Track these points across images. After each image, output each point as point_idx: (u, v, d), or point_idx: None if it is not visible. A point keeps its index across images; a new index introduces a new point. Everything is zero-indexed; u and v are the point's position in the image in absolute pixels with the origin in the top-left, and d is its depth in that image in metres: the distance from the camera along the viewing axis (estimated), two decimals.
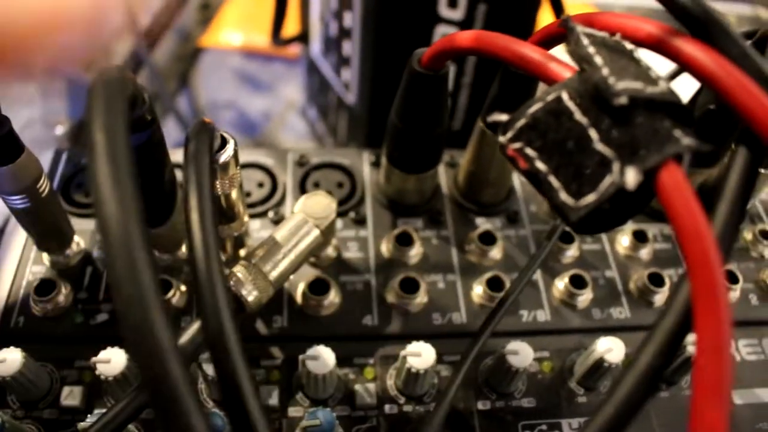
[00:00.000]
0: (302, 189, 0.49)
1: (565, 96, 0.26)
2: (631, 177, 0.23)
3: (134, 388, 0.32)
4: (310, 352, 0.37)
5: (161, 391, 0.18)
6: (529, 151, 0.27)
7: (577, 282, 0.44)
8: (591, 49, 0.26)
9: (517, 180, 0.51)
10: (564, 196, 0.26)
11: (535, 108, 0.27)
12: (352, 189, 0.49)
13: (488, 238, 0.46)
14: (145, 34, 0.88)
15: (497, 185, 0.48)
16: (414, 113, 0.41)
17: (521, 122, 0.28)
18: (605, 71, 0.25)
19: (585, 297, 0.44)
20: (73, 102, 0.90)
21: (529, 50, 0.30)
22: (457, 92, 0.63)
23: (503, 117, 0.28)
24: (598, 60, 0.26)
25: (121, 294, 0.18)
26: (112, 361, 0.36)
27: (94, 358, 0.36)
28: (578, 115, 0.26)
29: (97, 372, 0.36)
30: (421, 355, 0.37)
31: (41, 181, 0.39)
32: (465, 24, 0.58)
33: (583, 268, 0.45)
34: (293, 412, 0.39)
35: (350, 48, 0.63)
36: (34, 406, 0.38)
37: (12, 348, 0.37)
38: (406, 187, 0.46)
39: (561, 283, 0.44)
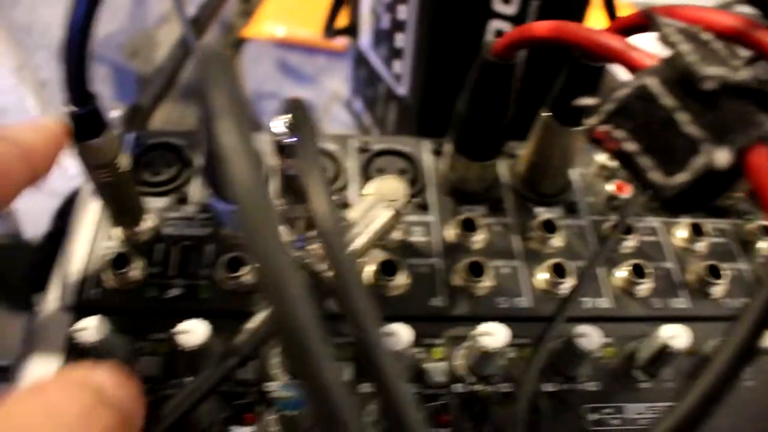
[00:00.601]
0: (365, 174, 0.50)
1: (652, 81, 0.27)
2: (722, 157, 0.24)
3: (214, 360, 0.33)
4: (386, 328, 0.38)
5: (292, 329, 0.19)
6: (618, 134, 0.28)
7: (638, 271, 0.45)
8: (677, 37, 0.27)
9: (575, 172, 0.52)
10: (655, 175, 0.26)
11: (622, 93, 0.28)
12: (414, 176, 0.50)
13: (550, 226, 0.47)
14: (191, 23, 0.89)
15: (557, 175, 0.49)
16: (482, 103, 0.42)
17: (609, 106, 0.28)
18: (693, 57, 0.26)
19: (645, 286, 0.45)
20: (119, 86, 0.92)
21: (610, 39, 0.31)
22: None
23: (590, 101, 0.29)
24: (685, 47, 0.26)
25: (255, 245, 0.19)
26: (192, 332, 0.37)
27: (174, 329, 0.38)
28: (666, 99, 0.27)
29: (176, 342, 0.37)
30: (493, 334, 0.38)
31: (120, 157, 0.40)
32: (518, 19, 0.59)
33: (642, 259, 0.46)
34: (365, 388, 0.40)
35: (403, 40, 0.64)
36: None
37: (95, 316, 0.38)
38: (469, 175, 0.47)
39: (621, 272, 0.45)
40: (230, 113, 0.22)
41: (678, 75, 0.26)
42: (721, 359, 0.23)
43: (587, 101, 0.30)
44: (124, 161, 0.41)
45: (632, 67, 0.30)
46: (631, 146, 0.27)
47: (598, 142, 0.29)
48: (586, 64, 0.40)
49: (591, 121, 0.29)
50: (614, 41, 0.31)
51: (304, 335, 0.19)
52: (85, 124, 0.37)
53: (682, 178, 0.25)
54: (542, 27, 0.35)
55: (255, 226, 0.20)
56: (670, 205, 0.26)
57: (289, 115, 0.31)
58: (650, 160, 0.26)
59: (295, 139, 0.36)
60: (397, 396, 0.20)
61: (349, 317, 0.22)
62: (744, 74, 0.25)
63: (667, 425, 0.24)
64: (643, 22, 0.34)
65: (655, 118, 0.26)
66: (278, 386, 0.38)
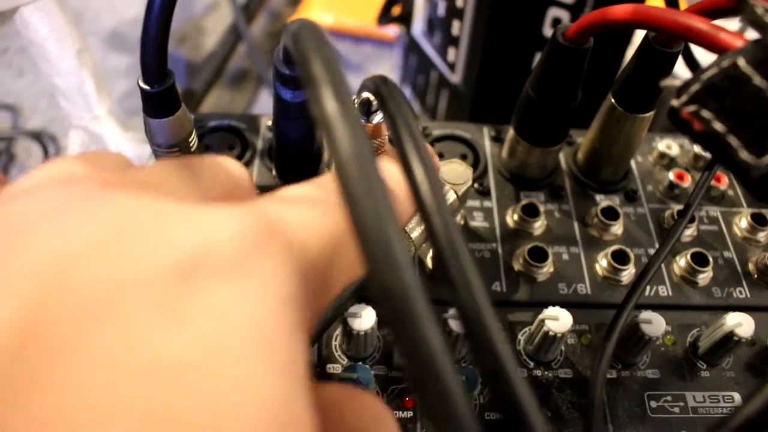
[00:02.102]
0: None
1: (741, 62, 0.27)
2: None
3: None
4: (452, 311, 0.38)
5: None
6: (706, 114, 0.28)
7: (699, 259, 0.45)
8: None
9: (634, 161, 0.52)
10: (745, 155, 0.26)
11: (710, 73, 0.28)
12: (475, 161, 0.50)
13: (611, 213, 0.46)
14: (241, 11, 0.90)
15: (618, 163, 0.48)
16: (552, 86, 0.42)
17: (696, 87, 0.28)
18: None
19: (706, 275, 0.45)
20: None
21: (695, 20, 0.31)
22: None
23: (677, 82, 0.29)
24: None
25: (358, 207, 0.20)
26: None
27: None
28: (757, 79, 0.26)
29: None
30: (558, 319, 0.38)
31: (192, 136, 0.41)
32: (576, 7, 0.59)
33: (702, 248, 0.46)
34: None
35: (459, 28, 0.64)
36: None
37: None
38: (530, 161, 0.47)
39: (682, 260, 0.45)
40: (332, 81, 0.23)
41: None
42: None
43: (673, 82, 0.30)
44: (195, 141, 0.41)
45: (719, 49, 0.29)
46: (719, 126, 0.27)
47: (682, 123, 0.29)
48: (659, 50, 0.40)
49: (676, 101, 0.29)
50: (699, 23, 0.31)
51: (413, 303, 0.19)
52: (160, 103, 0.38)
53: None
54: (621, 10, 0.35)
55: (360, 192, 0.20)
56: (758, 186, 0.26)
57: (368, 94, 0.32)
58: (739, 140, 0.26)
59: (376, 119, 0.37)
60: (509, 371, 0.20)
61: (460, 302, 0.22)
62: None
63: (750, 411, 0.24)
64: (730, 4, 0.34)
65: (744, 98, 0.26)
66: (342, 368, 0.39)
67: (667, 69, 0.41)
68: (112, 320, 0.14)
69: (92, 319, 0.14)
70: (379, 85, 0.31)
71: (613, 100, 0.44)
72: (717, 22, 0.31)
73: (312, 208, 0.20)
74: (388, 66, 0.91)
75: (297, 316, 0.17)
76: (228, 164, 0.24)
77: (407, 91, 0.83)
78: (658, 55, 0.40)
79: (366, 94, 0.35)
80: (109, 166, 0.21)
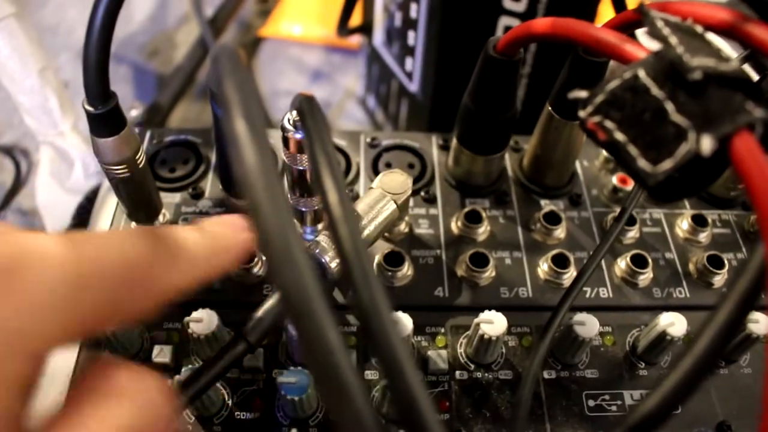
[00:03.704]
0: (375, 168, 0.51)
1: (641, 73, 0.28)
2: (707, 144, 0.25)
3: (223, 347, 0.35)
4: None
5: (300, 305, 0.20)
6: (608, 124, 0.29)
7: (639, 261, 0.46)
8: (666, 31, 0.28)
9: (579, 165, 0.53)
10: (642, 163, 0.27)
11: (613, 84, 0.29)
12: (422, 170, 0.51)
13: (553, 218, 0.48)
14: (209, 23, 0.91)
15: (561, 168, 0.50)
16: (487, 97, 0.44)
17: (600, 98, 0.30)
18: (680, 49, 0.27)
19: (646, 276, 0.46)
20: (139, 85, 0.94)
21: (605, 34, 0.32)
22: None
23: (583, 94, 0.30)
24: (673, 40, 0.28)
25: (265, 232, 0.21)
26: (204, 320, 0.39)
27: (187, 318, 0.39)
28: (655, 90, 0.28)
29: (189, 330, 0.39)
30: (493, 322, 0.39)
31: (140, 153, 0.42)
32: (527, 15, 0.60)
33: (644, 250, 0.47)
34: (369, 375, 0.41)
35: (414, 38, 0.66)
36: None
37: None
38: (475, 169, 0.49)
39: (623, 262, 0.46)
40: (241, 103, 0.24)
41: (667, 66, 0.27)
42: (702, 341, 0.24)
43: (579, 93, 0.31)
44: (143, 158, 0.42)
45: (625, 60, 0.31)
46: (620, 136, 0.28)
47: (590, 133, 0.30)
48: (588, 60, 0.41)
49: (582, 112, 0.30)
50: (608, 35, 0.32)
51: (311, 306, 0.20)
52: (104, 123, 0.39)
53: (667, 165, 0.26)
54: (542, 24, 0.36)
55: (262, 205, 0.21)
56: (657, 192, 0.28)
57: (297, 112, 0.33)
58: (638, 149, 0.27)
59: (301, 135, 0.38)
60: (409, 381, 0.21)
61: (360, 301, 0.23)
62: (732, 64, 0.26)
63: (652, 403, 0.25)
64: (638, 17, 0.35)
65: (644, 108, 0.27)
66: (284, 373, 0.40)
67: (597, 78, 0.42)
68: None
69: None
70: (301, 102, 0.33)
71: (550, 108, 0.46)
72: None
73: (106, 239, 0.22)
74: (355, 75, 0.92)
75: (10, 340, 0.19)
76: None
77: (372, 100, 0.84)
78: (587, 65, 0.42)
79: (293, 113, 0.36)
80: None
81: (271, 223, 0.21)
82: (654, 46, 0.30)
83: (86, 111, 0.39)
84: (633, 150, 0.28)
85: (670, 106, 0.27)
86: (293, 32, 0.99)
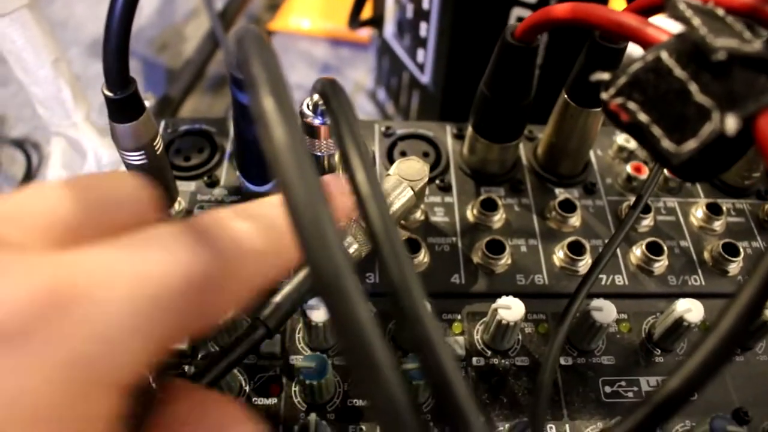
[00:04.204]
0: (389, 157, 0.51)
1: (664, 55, 0.28)
2: (731, 123, 0.25)
3: (243, 332, 0.35)
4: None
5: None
6: (631, 105, 0.29)
7: (654, 249, 0.46)
8: (689, 12, 0.28)
9: (593, 154, 0.53)
10: (666, 144, 0.28)
11: (635, 67, 0.29)
12: (437, 158, 0.52)
13: (568, 206, 0.48)
14: (218, 17, 0.91)
15: (576, 157, 0.50)
16: (504, 84, 0.44)
17: (622, 80, 0.30)
18: (703, 30, 0.27)
19: (661, 264, 0.46)
20: (148, 79, 0.94)
21: (626, 17, 0.32)
22: None
23: (605, 76, 0.31)
24: (696, 21, 0.28)
25: (297, 211, 0.21)
26: None
27: None
28: (678, 71, 0.28)
29: None
30: (511, 308, 0.39)
31: (157, 140, 0.42)
32: (539, 6, 0.60)
33: (659, 238, 0.47)
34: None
35: (426, 29, 0.66)
36: None
37: None
38: (490, 157, 0.49)
39: (638, 250, 0.46)
40: (269, 81, 0.24)
41: (690, 48, 0.27)
42: (723, 325, 0.24)
43: (602, 76, 0.31)
44: (161, 144, 0.43)
45: (647, 44, 0.31)
46: (643, 117, 0.28)
47: (612, 115, 0.30)
48: (605, 46, 0.41)
49: (605, 94, 0.30)
50: (629, 19, 0.32)
51: (343, 283, 0.20)
52: (124, 108, 0.39)
53: (692, 145, 0.26)
54: (561, 9, 0.36)
55: (293, 180, 0.21)
56: (682, 172, 0.28)
57: (320, 95, 0.33)
58: (662, 130, 0.27)
59: (320, 120, 0.38)
60: (446, 366, 0.21)
61: (392, 278, 0.23)
62: (756, 46, 0.26)
63: (671, 387, 0.25)
64: (658, 1, 0.35)
65: (667, 89, 0.27)
66: (301, 358, 0.40)
67: (614, 64, 0.42)
68: None
69: None
70: (324, 85, 0.33)
71: (566, 96, 0.46)
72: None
73: (164, 251, 0.19)
74: (365, 68, 0.92)
75: (86, 376, 0.17)
76: (119, 188, 0.22)
77: (382, 93, 0.85)
78: (604, 51, 0.42)
79: (316, 96, 0.36)
80: None
81: (303, 199, 0.21)
82: (675, 30, 0.30)
83: (106, 96, 0.39)
84: (656, 131, 0.28)
85: (693, 87, 0.27)
86: (302, 26, 0.99)
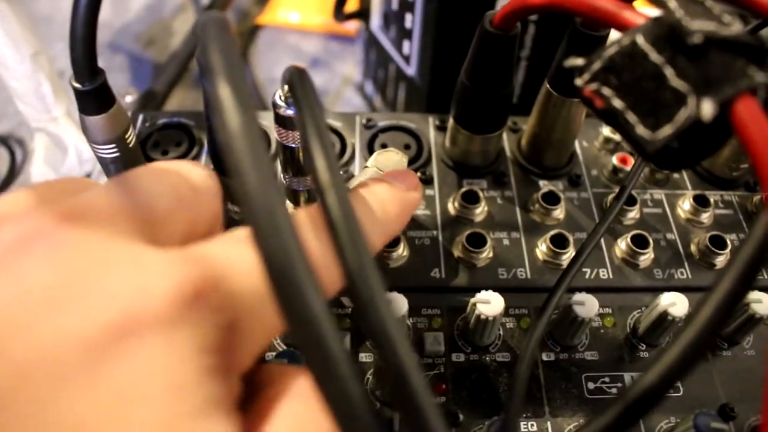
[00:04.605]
0: (370, 150, 0.50)
1: (640, 39, 0.27)
2: (707, 108, 0.24)
3: None
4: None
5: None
6: (606, 91, 0.28)
7: (639, 242, 0.45)
8: None
9: (578, 145, 0.52)
10: (641, 130, 0.27)
11: (610, 51, 0.28)
12: (418, 150, 0.51)
13: (552, 198, 0.47)
14: (206, 11, 0.90)
15: (560, 148, 0.49)
16: (483, 74, 0.43)
17: (597, 65, 0.29)
18: (679, 13, 0.26)
19: (646, 257, 0.45)
20: (135, 75, 0.93)
21: (602, 2, 0.32)
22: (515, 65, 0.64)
23: (579, 61, 0.30)
24: (673, 4, 0.27)
25: (251, 203, 0.20)
26: None
27: None
28: (653, 56, 0.27)
29: None
30: (490, 302, 0.38)
31: (129, 132, 0.41)
32: None
33: (644, 230, 0.46)
34: (364, 357, 0.40)
35: (411, 21, 0.65)
36: None
37: None
38: (472, 149, 0.48)
39: (623, 243, 0.45)
40: (225, 68, 0.23)
41: (666, 31, 0.26)
42: (701, 317, 0.23)
43: (576, 61, 0.30)
44: (133, 137, 0.42)
45: (624, 28, 0.30)
46: (618, 103, 0.27)
47: (587, 101, 0.29)
48: (586, 33, 0.40)
49: (579, 80, 0.29)
50: (605, 3, 0.31)
51: (294, 271, 0.19)
52: (93, 100, 0.38)
53: (667, 131, 0.25)
54: None
55: (245, 167, 0.20)
56: (657, 160, 0.27)
57: (287, 84, 0.32)
58: (637, 116, 0.26)
59: (292, 111, 0.37)
60: (404, 361, 0.20)
61: (348, 267, 0.22)
62: (734, 29, 0.25)
63: (646, 382, 0.24)
64: None
65: (642, 74, 0.27)
66: (274, 354, 0.39)
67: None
68: (43, 382, 0.16)
69: (25, 380, 0.16)
70: (291, 74, 0.32)
71: (548, 86, 0.45)
72: None
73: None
74: (353, 62, 0.91)
75: (215, 361, 0.18)
76: (191, 176, 0.24)
77: (369, 86, 0.83)
78: (585, 39, 0.41)
79: (284, 90, 0.35)
80: (64, 194, 0.22)
81: (256, 186, 0.20)
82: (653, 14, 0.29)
83: (74, 88, 0.38)
84: (631, 117, 0.27)
85: (669, 71, 0.26)
86: (291, 20, 0.98)
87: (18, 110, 0.66)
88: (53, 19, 1.00)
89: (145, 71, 0.93)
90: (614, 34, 0.48)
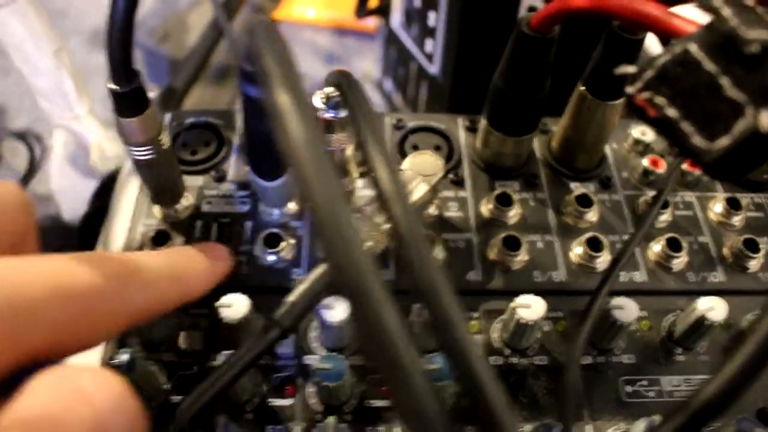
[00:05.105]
0: (401, 151, 0.50)
1: (693, 47, 0.27)
2: (765, 119, 0.24)
3: (258, 333, 0.34)
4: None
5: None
6: (659, 100, 0.28)
7: (673, 245, 0.45)
8: (718, 2, 0.27)
9: (609, 147, 0.52)
10: (697, 140, 0.26)
11: (663, 59, 0.28)
12: (449, 152, 0.50)
13: (585, 201, 0.47)
14: (223, 6, 0.90)
15: (593, 150, 0.49)
16: (518, 77, 0.43)
17: (649, 73, 0.28)
18: (734, 22, 0.26)
19: (681, 260, 0.45)
20: (150, 70, 0.93)
21: (650, 7, 0.31)
22: None
23: (631, 69, 0.29)
24: (726, 12, 0.27)
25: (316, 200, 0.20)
26: (234, 306, 0.38)
27: (216, 303, 0.38)
28: (707, 64, 0.27)
29: (219, 316, 0.38)
30: (531, 306, 0.38)
31: (162, 134, 0.41)
32: None
33: (676, 233, 0.46)
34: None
35: (435, 19, 0.64)
36: (155, 349, 0.40)
37: None
38: (504, 150, 0.48)
39: (657, 246, 0.45)
40: (284, 75, 0.23)
41: (720, 40, 0.26)
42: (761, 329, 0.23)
43: (627, 69, 0.30)
44: (167, 138, 0.41)
45: (673, 35, 0.30)
46: (672, 112, 0.27)
47: (638, 109, 0.29)
48: (624, 37, 0.40)
49: (631, 88, 0.29)
50: (654, 9, 0.31)
51: (367, 284, 0.19)
52: (129, 102, 0.38)
53: (724, 142, 0.25)
54: None
55: (312, 176, 0.20)
56: (714, 170, 0.27)
57: (332, 88, 0.32)
58: (692, 126, 0.26)
59: (333, 113, 0.37)
60: (477, 368, 0.20)
61: (418, 281, 0.22)
62: None
63: (709, 393, 0.24)
64: None
65: (696, 83, 0.26)
66: (318, 358, 0.39)
67: (633, 56, 0.41)
68: None
69: None
70: (339, 78, 0.32)
71: (583, 88, 0.44)
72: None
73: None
74: (371, 58, 0.91)
75: None
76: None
77: (389, 83, 0.83)
78: (623, 42, 0.40)
79: (328, 88, 0.35)
80: None
81: (322, 197, 0.20)
82: (702, 21, 0.29)
83: (111, 90, 0.38)
84: (687, 127, 0.27)
85: (725, 81, 0.26)
86: (306, 15, 0.98)
87: (35, 106, 0.66)
88: (67, 14, 0.99)
89: (160, 66, 0.93)
90: (651, 38, 0.48)
